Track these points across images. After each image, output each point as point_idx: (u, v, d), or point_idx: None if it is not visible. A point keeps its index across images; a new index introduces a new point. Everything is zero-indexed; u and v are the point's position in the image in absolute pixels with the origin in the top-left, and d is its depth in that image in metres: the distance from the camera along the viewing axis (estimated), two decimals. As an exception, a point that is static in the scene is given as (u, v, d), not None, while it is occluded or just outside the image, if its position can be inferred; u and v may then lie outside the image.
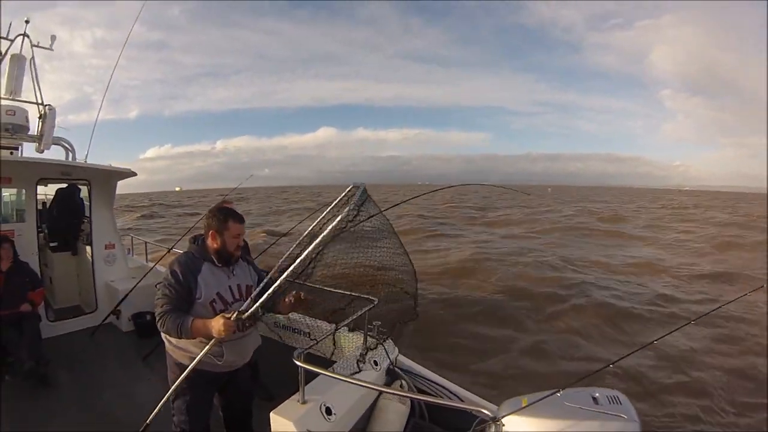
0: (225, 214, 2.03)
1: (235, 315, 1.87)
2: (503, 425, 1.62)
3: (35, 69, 4.90)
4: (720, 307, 2.13)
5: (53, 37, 5.19)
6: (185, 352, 2.08)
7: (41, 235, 4.89)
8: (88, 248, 5.01)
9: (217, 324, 1.84)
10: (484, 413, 1.66)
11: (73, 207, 5.31)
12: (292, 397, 2.03)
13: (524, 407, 1.69)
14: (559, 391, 1.65)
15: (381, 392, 2.54)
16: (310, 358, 2.07)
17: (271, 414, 1.94)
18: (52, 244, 5.18)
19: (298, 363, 1.92)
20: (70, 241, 5.28)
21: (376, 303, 2.74)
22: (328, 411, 2.01)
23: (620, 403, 1.66)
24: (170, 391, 2.08)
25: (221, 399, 2.32)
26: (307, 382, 2.03)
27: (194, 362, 1.98)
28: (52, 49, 5.17)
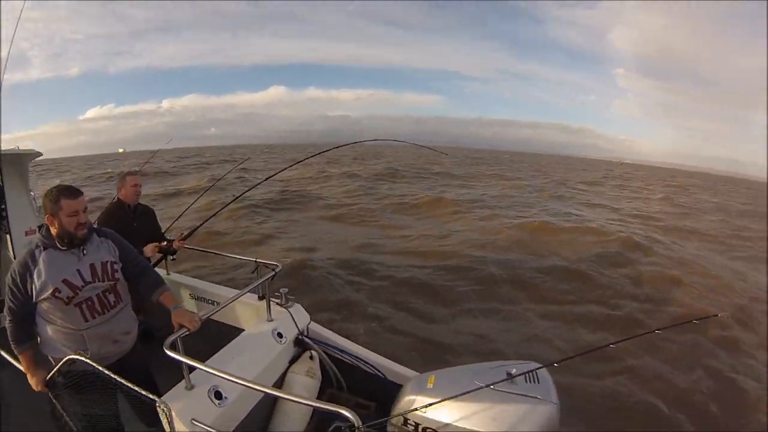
0: (56, 192, 1.75)
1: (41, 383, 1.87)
2: (425, 413, 1.60)
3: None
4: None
5: None
6: (48, 351, 1.90)
7: None
8: (8, 236, 4.30)
9: (30, 378, 1.86)
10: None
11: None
12: (179, 384, 1.85)
13: (430, 388, 1.62)
14: (483, 386, 1.54)
15: (288, 366, 2.40)
16: (218, 327, 1.91)
17: (156, 404, 1.73)
18: None
19: (170, 353, 1.68)
20: None
21: (280, 269, 2.62)
22: (218, 395, 1.83)
23: (537, 381, 1.57)
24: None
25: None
26: (207, 358, 1.85)
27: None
28: None
